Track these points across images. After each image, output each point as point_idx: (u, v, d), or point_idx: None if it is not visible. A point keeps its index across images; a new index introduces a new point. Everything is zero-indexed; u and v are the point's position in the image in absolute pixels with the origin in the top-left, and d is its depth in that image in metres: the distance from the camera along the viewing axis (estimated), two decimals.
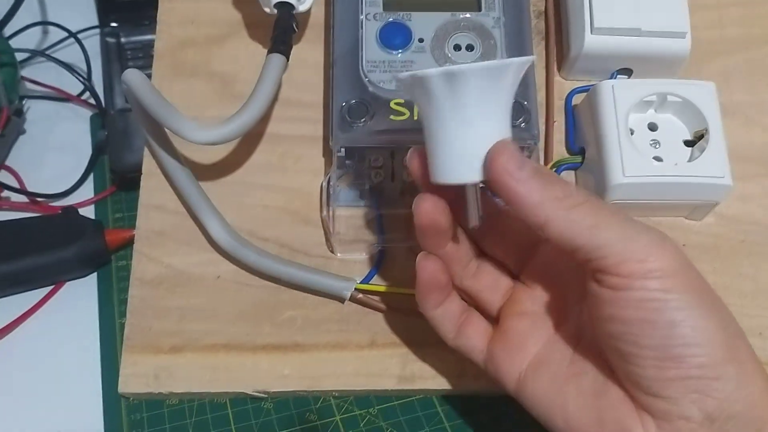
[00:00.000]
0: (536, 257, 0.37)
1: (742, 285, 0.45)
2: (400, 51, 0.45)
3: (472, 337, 0.38)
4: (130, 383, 0.43)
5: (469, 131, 0.32)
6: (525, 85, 0.44)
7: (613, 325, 0.31)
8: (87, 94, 0.62)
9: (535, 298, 0.37)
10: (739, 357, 0.30)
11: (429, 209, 0.35)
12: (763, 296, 0.44)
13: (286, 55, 0.44)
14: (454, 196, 0.35)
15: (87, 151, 0.59)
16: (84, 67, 0.64)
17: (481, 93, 0.31)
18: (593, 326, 0.33)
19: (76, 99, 0.63)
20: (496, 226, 0.37)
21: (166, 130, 0.44)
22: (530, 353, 0.36)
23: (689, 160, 0.43)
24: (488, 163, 0.31)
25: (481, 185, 0.33)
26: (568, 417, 0.34)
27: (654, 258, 0.30)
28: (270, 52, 0.44)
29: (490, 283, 0.38)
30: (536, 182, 0.31)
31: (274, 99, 0.47)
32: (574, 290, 0.36)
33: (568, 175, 0.47)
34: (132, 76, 0.42)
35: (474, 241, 0.38)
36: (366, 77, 0.44)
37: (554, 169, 0.46)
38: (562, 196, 0.31)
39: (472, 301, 0.39)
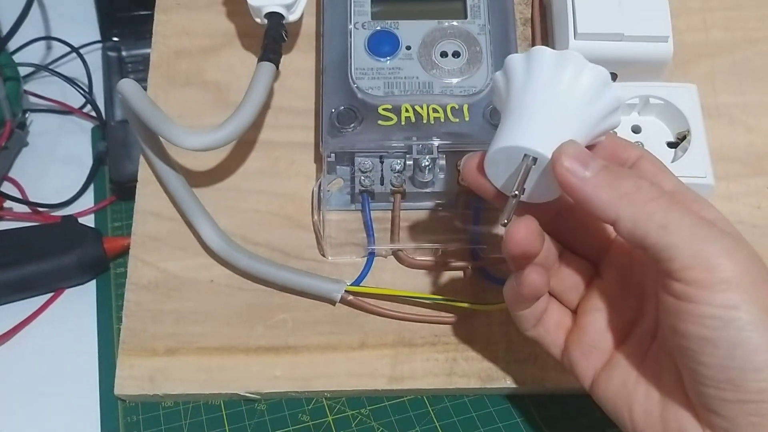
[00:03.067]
0: (613, 250, 0.36)
1: None
2: (388, 58, 0.46)
3: (551, 330, 0.37)
4: (125, 386, 0.44)
5: (557, 117, 0.32)
6: None
7: (675, 337, 0.30)
8: (88, 107, 0.64)
9: (611, 294, 0.36)
10: None
11: (523, 238, 0.33)
12: None
13: (276, 63, 0.45)
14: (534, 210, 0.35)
15: (88, 163, 0.60)
16: (86, 80, 0.65)
17: (597, 92, 0.32)
18: (662, 332, 0.32)
19: (78, 112, 0.64)
20: (572, 219, 0.37)
21: (160, 137, 0.45)
22: (605, 352, 0.35)
23: (672, 161, 0.44)
24: (553, 163, 0.31)
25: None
26: (634, 420, 0.33)
27: (724, 268, 0.28)
28: (260, 60, 0.45)
29: (572, 283, 0.37)
30: (603, 179, 0.31)
31: (266, 106, 0.48)
32: (651, 286, 0.34)
33: None
34: (127, 85, 0.44)
35: (555, 237, 0.37)
36: (355, 84, 0.45)
37: None
38: (633, 191, 0.30)
39: (552, 295, 0.38)
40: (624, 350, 0.35)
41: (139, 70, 0.65)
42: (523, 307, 0.36)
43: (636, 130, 0.45)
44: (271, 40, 0.45)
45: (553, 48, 0.48)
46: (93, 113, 0.63)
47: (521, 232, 0.33)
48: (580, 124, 0.33)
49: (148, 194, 0.48)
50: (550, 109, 0.32)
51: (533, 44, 0.51)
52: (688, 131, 0.44)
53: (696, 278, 0.28)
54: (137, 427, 0.44)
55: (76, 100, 0.64)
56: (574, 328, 0.37)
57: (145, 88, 0.46)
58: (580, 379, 0.36)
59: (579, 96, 0.32)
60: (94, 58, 0.67)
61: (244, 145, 0.49)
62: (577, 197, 0.31)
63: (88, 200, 0.58)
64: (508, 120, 0.33)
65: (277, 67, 0.45)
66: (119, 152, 0.58)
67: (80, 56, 0.67)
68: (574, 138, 0.32)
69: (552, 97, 0.32)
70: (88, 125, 0.64)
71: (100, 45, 0.67)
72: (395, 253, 0.46)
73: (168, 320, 0.45)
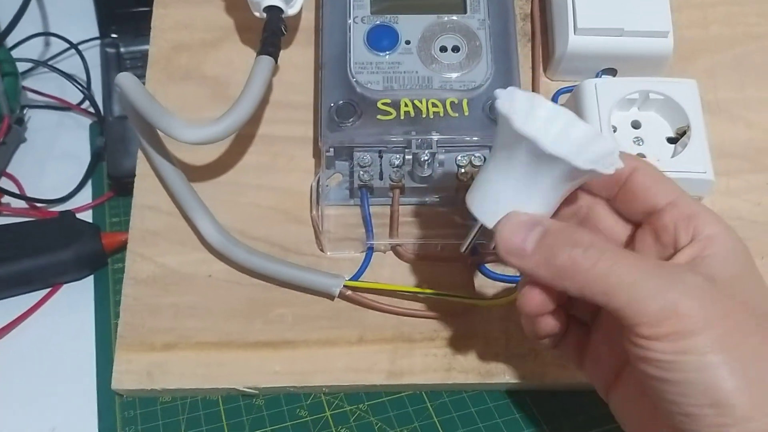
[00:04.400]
0: None
1: None
2: (387, 53, 0.46)
3: (569, 345, 0.37)
4: (123, 380, 0.43)
5: (505, 185, 0.33)
6: (510, 85, 0.44)
7: (637, 373, 0.31)
8: (87, 103, 0.64)
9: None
10: None
11: (534, 309, 0.34)
12: None
13: (275, 56, 0.45)
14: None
15: (86, 159, 0.60)
16: (84, 77, 0.65)
17: (533, 167, 0.31)
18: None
19: (76, 108, 0.64)
20: None
21: (158, 131, 0.45)
22: (614, 367, 0.35)
23: (672, 157, 0.44)
24: (495, 236, 0.32)
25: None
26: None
27: (668, 323, 0.29)
28: (259, 54, 0.45)
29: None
30: (539, 259, 0.31)
31: (265, 100, 0.48)
32: None
33: None
34: (124, 79, 0.43)
35: None
36: (354, 78, 0.45)
37: None
38: (568, 265, 0.31)
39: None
40: (627, 366, 0.35)
41: (138, 66, 0.65)
42: (540, 339, 0.37)
43: (636, 125, 0.45)
44: (270, 33, 0.45)
45: (554, 44, 0.49)
46: (91, 109, 0.63)
47: (531, 305, 0.33)
48: (531, 197, 0.32)
49: (146, 189, 0.48)
50: (504, 182, 0.32)
51: (533, 40, 0.51)
52: (688, 126, 0.44)
53: (644, 333, 0.29)
54: (134, 421, 0.43)
55: (74, 96, 0.64)
56: (588, 343, 0.37)
57: (143, 83, 0.45)
58: (598, 391, 0.37)
59: (530, 173, 0.32)
60: (93, 54, 0.67)
61: (243, 139, 0.49)
62: (521, 272, 0.33)
63: (86, 196, 0.58)
64: (480, 174, 0.34)
65: (276, 61, 0.45)
66: (117, 148, 0.58)
67: (79, 52, 0.67)
68: (529, 207, 0.32)
69: (506, 170, 0.32)
70: (86, 121, 0.64)
71: (98, 42, 0.67)
72: (394, 248, 0.46)
73: (166, 315, 0.45)
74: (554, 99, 0.49)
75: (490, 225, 0.33)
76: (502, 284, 0.45)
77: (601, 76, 0.48)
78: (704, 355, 0.28)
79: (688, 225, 0.32)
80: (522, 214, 0.32)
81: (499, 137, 0.33)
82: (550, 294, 0.33)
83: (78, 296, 0.51)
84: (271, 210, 0.47)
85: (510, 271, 0.44)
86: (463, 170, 0.44)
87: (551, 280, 0.31)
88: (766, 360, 0.29)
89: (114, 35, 0.67)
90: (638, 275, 0.30)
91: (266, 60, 0.44)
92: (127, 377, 0.43)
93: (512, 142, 0.31)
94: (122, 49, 0.66)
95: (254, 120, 0.48)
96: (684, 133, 0.44)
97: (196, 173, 0.48)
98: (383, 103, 0.44)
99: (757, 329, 0.29)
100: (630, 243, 0.35)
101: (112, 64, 0.65)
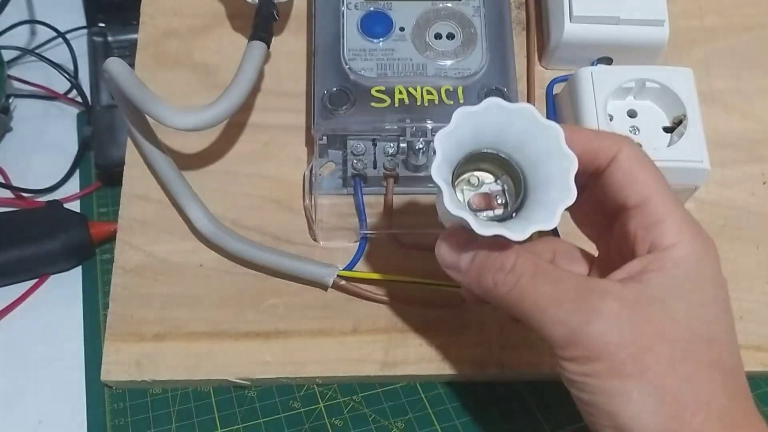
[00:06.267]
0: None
1: (722, 269, 0.44)
2: (381, 39, 0.45)
3: None
4: (112, 371, 0.43)
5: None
6: (505, 73, 0.45)
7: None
8: (74, 92, 0.62)
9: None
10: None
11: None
12: (743, 280, 0.45)
13: (267, 42, 0.44)
14: None
15: (73, 149, 0.59)
16: (71, 66, 0.64)
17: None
18: None
19: (63, 97, 0.63)
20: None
21: (148, 118, 0.44)
22: None
23: (668, 146, 0.44)
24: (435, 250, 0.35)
25: None
26: None
27: (572, 348, 0.30)
28: (251, 39, 0.44)
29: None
30: (471, 278, 0.33)
31: (256, 88, 0.48)
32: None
33: None
34: (114, 64, 0.43)
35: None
36: (347, 65, 0.45)
37: None
38: (491, 287, 0.32)
39: None
40: None
41: (126, 55, 0.64)
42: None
43: (632, 114, 0.45)
44: (262, 19, 0.45)
45: (549, 32, 0.48)
46: (78, 99, 0.62)
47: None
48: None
49: (135, 177, 0.47)
50: None
51: (528, 28, 0.50)
52: (684, 115, 0.43)
53: (563, 354, 0.30)
54: (124, 414, 0.43)
55: (61, 85, 0.63)
56: None
57: None
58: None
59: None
60: (80, 43, 0.66)
61: (234, 127, 0.48)
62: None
63: (73, 186, 0.57)
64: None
65: (268, 47, 0.45)
66: (105, 137, 0.57)
67: (66, 41, 0.65)
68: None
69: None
70: (74, 111, 0.63)
71: (86, 30, 0.66)
72: (388, 238, 0.45)
73: (156, 305, 0.44)
74: (549, 87, 0.49)
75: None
76: None
77: (596, 65, 0.47)
78: (605, 380, 0.29)
79: (646, 236, 0.31)
80: (460, 232, 0.33)
81: None
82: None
83: (65, 287, 0.50)
84: (262, 199, 0.47)
85: None
86: None
87: (482, 296, 0.33)
88: (683, 386, 0.29)
89: (102, 24, 0.66)
90: (549, 301, 0.31)
91: (258, 45, 0.44)
92: (116, 368, 0.43)
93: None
94: (110, 38, 0.65)
95: (246, 108, 0.47)
96: (680, 122, 0.44)
97: (186, 161, 0.47)
98: (377, 91, 0.44)
99: (684, 354, 0.29)
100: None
101: (99, 53, 0.64)
